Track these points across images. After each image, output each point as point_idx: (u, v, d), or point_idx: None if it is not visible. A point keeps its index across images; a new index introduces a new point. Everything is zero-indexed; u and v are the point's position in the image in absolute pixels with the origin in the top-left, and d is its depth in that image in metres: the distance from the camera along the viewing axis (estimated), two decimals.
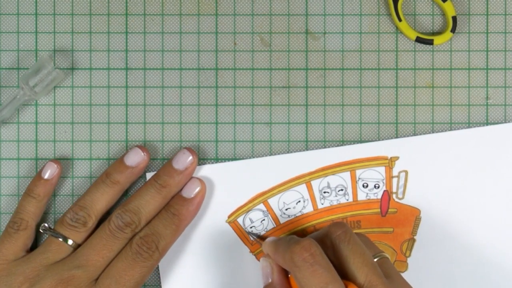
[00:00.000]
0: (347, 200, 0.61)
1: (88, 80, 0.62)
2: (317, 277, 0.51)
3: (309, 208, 0.61)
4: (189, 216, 0.59)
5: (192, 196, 0.60)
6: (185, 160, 0.60)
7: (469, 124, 0.62)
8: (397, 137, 0.62)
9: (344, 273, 0.52)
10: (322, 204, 0.61)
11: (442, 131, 0.62)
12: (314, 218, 0.61)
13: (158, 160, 0.62)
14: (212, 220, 0.61)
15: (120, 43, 0.62)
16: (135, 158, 0.60)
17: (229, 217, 0.61)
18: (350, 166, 0.61)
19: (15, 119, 0.62)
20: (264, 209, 0.61)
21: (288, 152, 0.62)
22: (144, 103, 0.62)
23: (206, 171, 0.61)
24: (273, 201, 0.61)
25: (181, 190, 0.60)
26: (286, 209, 0.61)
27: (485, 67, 0.62)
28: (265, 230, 0.61)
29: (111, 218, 0.58)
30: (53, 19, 0.62)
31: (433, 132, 0.62)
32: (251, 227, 0.61)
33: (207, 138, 0.62)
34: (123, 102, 0.62)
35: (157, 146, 0.62)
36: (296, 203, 0.61)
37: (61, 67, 0.62)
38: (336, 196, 0.61)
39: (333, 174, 0.61)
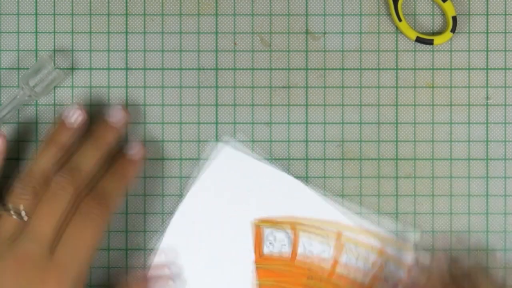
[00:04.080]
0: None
1: (88, 80, 0.62)
2: None
3: (329, 260, 0.61)
4: (134, 173, 0.60)
5: (134, 153, 0.60)
6: (118, 114, 0.60)
7: (469, 124, 0.62)
8: (397, 137, 0.62)
9: None
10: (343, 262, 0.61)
11: (442, 131, 0.62)
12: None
13: (159, 161, 0.62)
14: (237, 214, 0.61)
15: (120, 43, 0.62)
16: (75, 116, 0.59)
17: (256, 219, 0.61)
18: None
19: (15, 119, 0.62)
20: (291, 235, 0.61)
21: (288, 153, 0.62)
22: (144, 103, 0.62)
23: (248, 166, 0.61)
24: (302, 234, 0.61)
25: (124, 149, 0.61)
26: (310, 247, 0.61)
27: (485, 67, 0.62)
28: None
29: (52, 179, 0.57)
30: (53, 19, 0.62)
31: (433, 132, 0.62)
32: (270, 243, 0.61)
33: (207, 138, 0.62)
34: (123, 102, 0.62)
35: (157, 146, 0.62)
36: (320, 245, 0.61)
37: (61, 67, 0.62)
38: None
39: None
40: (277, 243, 0.61)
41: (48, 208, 0.56)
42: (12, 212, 0.56)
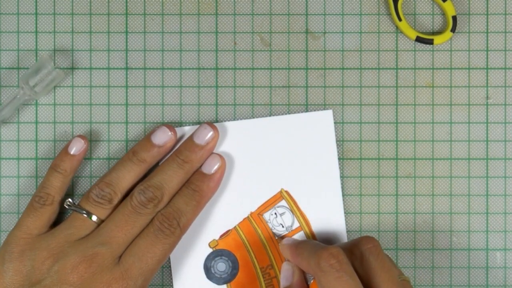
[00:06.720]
0: None
1: (88, 80, 0.62)
2: (342, 284, 0.51)
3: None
4: (209, 192, 0.59)
5: (212, 172, 0.60)
6: (206, 135, 0.60)
7: (469, 124, 0.62)
8: (397, 137, 0.62)
9: (368, 286, 0.53)
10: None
11: (442, 130, 0.62)
12: None
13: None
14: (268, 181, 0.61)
15: (120, 43, 0.62)
16: (163, 137, 0.60)
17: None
18: None
19: (15, 119, 0.62)
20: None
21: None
22: (144, 103, 0.62)
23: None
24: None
25: (200, 166, 0.60)
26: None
27: (485, 67, 0.62)
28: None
29: (133, 194, 0.58)
30: (53, 19, 0.62)
31: (433, 132, 0.62)
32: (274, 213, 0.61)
33: None
34: (123, 102, 0.62)
35: None
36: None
37: (61, 67, 0.62)
38: None
39: None
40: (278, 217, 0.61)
41: (126, 220, 0.57)
42: (85, 216, 0.58)
